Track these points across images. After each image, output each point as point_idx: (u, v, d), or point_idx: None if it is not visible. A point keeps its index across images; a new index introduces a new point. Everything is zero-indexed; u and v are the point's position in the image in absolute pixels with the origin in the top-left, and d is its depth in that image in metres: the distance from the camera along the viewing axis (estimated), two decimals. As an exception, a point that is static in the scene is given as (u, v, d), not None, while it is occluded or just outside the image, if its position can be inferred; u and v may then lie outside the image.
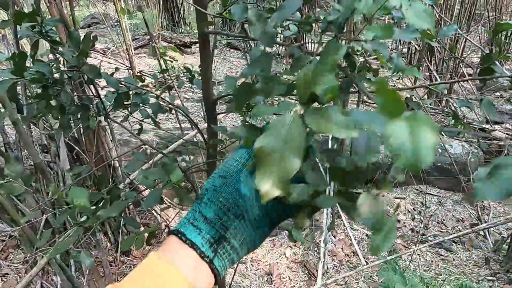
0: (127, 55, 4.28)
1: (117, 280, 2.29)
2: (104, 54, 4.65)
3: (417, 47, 4.99)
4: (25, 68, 0.58)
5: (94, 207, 0.78)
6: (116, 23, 5.24)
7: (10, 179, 0.61)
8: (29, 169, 2.28)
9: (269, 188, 0.29)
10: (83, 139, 2.19)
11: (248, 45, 4.48)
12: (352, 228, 2.94)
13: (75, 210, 0.70)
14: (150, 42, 5.23)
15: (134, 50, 4.91)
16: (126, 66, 3.33)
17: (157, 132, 3.12)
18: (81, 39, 0.64)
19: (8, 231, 2.29)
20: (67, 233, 1.22)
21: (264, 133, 0.29)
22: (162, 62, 2.00)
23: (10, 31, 1.90)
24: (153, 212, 2.50)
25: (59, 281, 2.09)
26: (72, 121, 0.94)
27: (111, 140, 2.25)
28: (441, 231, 3.03)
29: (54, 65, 0.66)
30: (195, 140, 2.91)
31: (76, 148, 1.93)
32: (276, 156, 0.28)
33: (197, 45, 6.14)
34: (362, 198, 0.35)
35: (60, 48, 0.64)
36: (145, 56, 5.35)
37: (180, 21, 7.11)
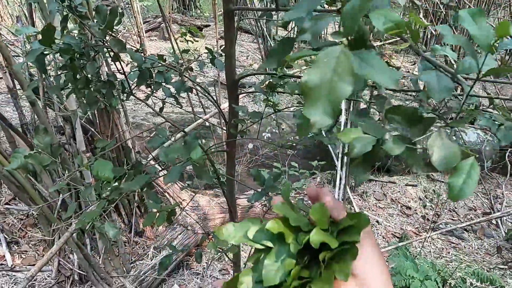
0: (138, 38, 4.26)
1: (131, 260, 2.35)
2: (115, 37, 4.63)
3: (433, 31, 4.86)
4: (53, 40, 0.58)
5: (116, 182, 0.78)
6: (127, 5, 5.20)
7: (39, 150, 0.62)
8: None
9: (319, 117, 0.28)
10: (98, 122, 2.21)
11: (260, 28, 4.42)
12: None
13: (99, 184, 0.71)
14: (161, 25, 5.19)
15: (145, 33, 4.88)
16: (138, 49, 3.31)
17: (169, 116, 3.13)
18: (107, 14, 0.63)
19: (26, 210, 2.34)
20: (89, 208, 1.24)
21: (311, 67, 0.28)
22: (176, 43, 1.98)
23: (25, 11, 1.89)
24: (166, 194, 2.53)
25: (75, 259, 2.14)
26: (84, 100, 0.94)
27: (124, 123, 2.27)
28: (452, 219, 3.01)
29: (82, 39, 0.65)
30: (207, 124, 2.91)
31: (92, 130, 1.94)
32: (325, 86, 0.28)
33: (208, 28, 6.04)
34: (433, 137, 0.34)
35: (89, 23, 0.64)
36: (155, 39, 5.32)
37: (190, 4, 7.02)
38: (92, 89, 0.70)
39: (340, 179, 2.92)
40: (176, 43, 2.13)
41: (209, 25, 6.05)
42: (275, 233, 0.38)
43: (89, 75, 0.68)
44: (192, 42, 1.11)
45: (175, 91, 0.87)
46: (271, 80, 0.81)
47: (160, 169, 0.95)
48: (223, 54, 1.12)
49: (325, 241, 0.36)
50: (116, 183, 0.77)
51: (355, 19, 0.28)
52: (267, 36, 4.25)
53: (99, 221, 0.80)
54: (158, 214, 0.85)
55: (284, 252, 0.37)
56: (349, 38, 0.30)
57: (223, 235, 0.39)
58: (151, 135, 2.83)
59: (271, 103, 0.75)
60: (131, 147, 2.32)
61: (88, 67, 0.66)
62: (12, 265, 2.14)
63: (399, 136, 0.37)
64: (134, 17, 4.24)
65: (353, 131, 0.37)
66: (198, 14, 7.08)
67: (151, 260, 2.25)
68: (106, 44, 0.66)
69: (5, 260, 2.16)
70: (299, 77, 0.70)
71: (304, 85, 0.27)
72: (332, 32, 0.37)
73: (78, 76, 0.67)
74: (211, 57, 1.05)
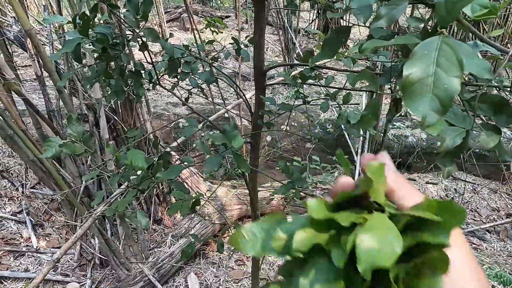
0: (159, 28, 4.28)
1: (149, 246, 2.40)
2: (148, 27, 4.69)
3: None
4: (89, 29, 0.58)
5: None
6: (148, -4, 5.21)
7: (72, 139, 0.63)
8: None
9: (426, 113, 0.26)
10: (120, 110, 2.25)
11: (281, 20, 4.36)
12: (380, 211, 2.90)
13: (129, 172, 0.72)
14: (182, 15, 5.21)
15: (166, 23, 4.90)
16: (166, 39, 3.34)
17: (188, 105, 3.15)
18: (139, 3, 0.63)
19: (51, 195, 2.42)
20: (114, 196, 1.27)
21: (410, 60, 0.26)
22: (198, 34, 1.98)
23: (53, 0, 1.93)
24: (184, 184, 2.56)
25: (97, 244, 2.21)
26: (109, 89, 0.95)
27: (146, 112, 2.30)
28: (474, 219, 2.93)
29: (112, 28, 0.66)
30: (226, 115, 2.92)
31: (115, 118, 1.97)
32: (429, 81, 0.25)
33: (228, 19, 6.02)
34: None
35: (121, 11, 0.64)
36: (176, 30, 5.34)
37: (211, -5, 6.99)
38: (122, 78, 0.70)
39: (359, 174, 2.88)
40: (199, 34, 2.14)
41: (229, 16, 6.02)
42: (309, 244, 0.26)
43: (123, 65, 0.68)
44: (217, 33, 1.10)
45: (201, 82, 0.87)
46: (298, 71, 0.79)
47: (179, 157, 0.95)
48: (248, 45, 1.11)
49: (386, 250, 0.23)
50: (143, 173, 0.78)
51: (454, 11, 0.26)
52: (288, 28, 4.19)
53: (124, 210, 0.82)
54: (183, 203, 0.86)
55: (325, 266, 0.26)
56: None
57: (240, 245, 0.28)
58: (171, 125, 2.86)
59: (302, 95, 0.74)
60: (159, 139, 2.36)
61: (123, 57, 0.66)
62: (37, 247, 2.22)
63: (486, 125, 0.35)
64: (156, 7, 4.26)
65: (438, 122, 0.34)
66: (218, 4, 7.06)
67: (169, 248, 2.29)
68: (137, 34, 0.66)
69: (31, 242, 2.25)
70: (331, 68, 0.68)
71: (406, 80, 0.25)
72: (410, 17, 0.35)
73: (112, 66, 0.67)
74: (236, 47, 1.04)
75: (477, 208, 3.05)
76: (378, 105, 0.68)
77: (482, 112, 0.36)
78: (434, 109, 0.25)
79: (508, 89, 0.45)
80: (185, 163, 0.82)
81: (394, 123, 3.29)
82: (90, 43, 0.64)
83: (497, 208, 3.07)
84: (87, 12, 0.80)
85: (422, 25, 0.43)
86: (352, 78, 0.78)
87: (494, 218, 2.96)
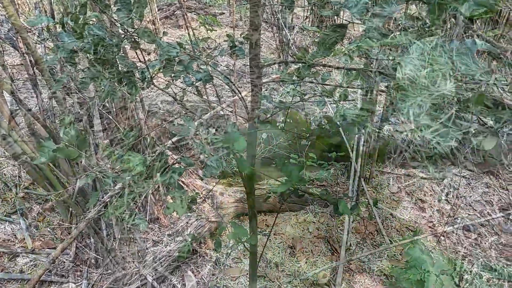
0: (153, 26, 4.24)
1: (146, 246, 2.39)
2: (144, 28, 4.64)
3: (453, 20, 4.72)
4: (83, 31, 0.57)
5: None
6: (141, -7, 5.15)
7: (66, 143, 0.62)
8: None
9: (416, 114, 0.26)
10: (114, 109, 2.23)
11: (275, 17, 4.34)
12: (376, 207, 2.92)
13: (126, 175, 0.71)
14: (175, 13, 5.16)
15: (159, 20, 4.86)
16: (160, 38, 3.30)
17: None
18: (132, 2, 0.62)
19: (46, 195, 2.40)
20: (108, 196, 1.25)
21: (404, 60, 0.26)
22: (192, 32, 1.96)
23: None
24: (180, 182, 2.55)
25: (92, 244, 2.20)
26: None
27: (141, 111, 2.28)
28: (469, 214, 2.96)
29: (105, 28, 0.64)
30: (221, 113, 2.90)
31: (109, 117, 1.95)
32: (421, 82, 0.25)
33: (222, 16, 5.95)
34: None
35: (113, 10, 0.63)
36: (169, 27, 5.30)
37: (204, -9, 6.93)
38: (119, 80, 0.69)
39: (355, 170, 2.89)
40: (193, 31, 2.12)
41: (223, 13, 5.99)
42: None
43: (117, 67, 0.67)
44: (211, 31, 1.08)
45: (196, 80, 0.86)
46: (294, 68, 0.79)
47: (177, 158, 0.94)
48: (244, 42, 1.10)
49: None
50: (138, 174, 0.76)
51: (446, 10, 0.26)
52: (282, 25, 4.18)
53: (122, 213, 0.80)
54: (179, 202, 0.85)
55: None
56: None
57: None
58: (164, 124, 2.84)
59: (299, 92, 0.73)
60: (155, 139, 2.34)
61: (119, 59, 0.65)
62: (32, 247, 2.20)
63: (484, 128, 0.35)
64: (149, 4, 4.22)
65: (433, 124, 0.33)
66: (212, 2, 7.00)
67: (166, 247, 2.28)
68: (131, 34, 0.65)
69: (25, 243, 2.23)
70: (327, 66, 0.68)
71: (399, 82, 0.25)
72: (409, 16, 0.34)
73: (108, 68, 0.66)
74: (231, 45, 1.02)
75: (471, 202, 3.08)
76: (373, 103, 0.68)
77: (479, 113, 0.35)
78: (425, 113, 0.25)
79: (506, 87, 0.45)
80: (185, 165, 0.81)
81: (389, 119, 3.30)
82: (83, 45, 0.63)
83: (490, 201, 3.10)
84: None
85: (420, 23, 0.43)
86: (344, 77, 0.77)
87: (488, 212, 2.99)
